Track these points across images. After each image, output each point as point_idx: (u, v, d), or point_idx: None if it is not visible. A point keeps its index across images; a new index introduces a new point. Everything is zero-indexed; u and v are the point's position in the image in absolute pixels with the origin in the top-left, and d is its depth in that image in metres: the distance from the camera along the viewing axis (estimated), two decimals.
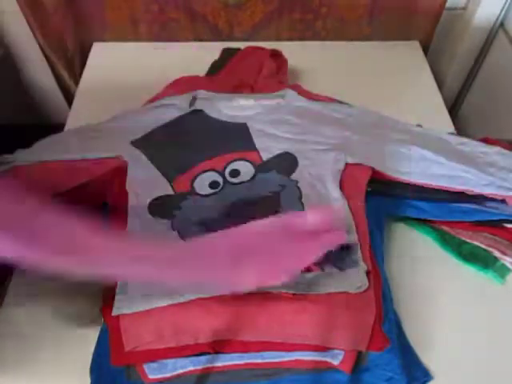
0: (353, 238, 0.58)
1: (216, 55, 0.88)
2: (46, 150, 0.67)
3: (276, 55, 0.85)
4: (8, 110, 1.07)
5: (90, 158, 0.65)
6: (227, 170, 0.65)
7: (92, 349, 0.54)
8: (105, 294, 0.55)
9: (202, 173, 0.65)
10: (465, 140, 0.69)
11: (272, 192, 0.62)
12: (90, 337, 0.54)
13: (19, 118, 1.11)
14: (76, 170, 0.64)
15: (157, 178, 0.64)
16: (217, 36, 0.99)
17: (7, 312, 0.59)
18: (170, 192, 0.63)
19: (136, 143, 0.68)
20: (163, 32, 0.98)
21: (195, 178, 0.64)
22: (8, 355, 0.56)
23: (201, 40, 1.00)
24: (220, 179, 0.64)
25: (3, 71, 1.01)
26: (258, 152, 0.67)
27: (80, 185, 0.63)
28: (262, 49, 0.85)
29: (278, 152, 0.67)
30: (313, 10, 0.95)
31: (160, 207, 0.61)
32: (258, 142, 0.68)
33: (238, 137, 0.70)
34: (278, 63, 0.84)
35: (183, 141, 0.69)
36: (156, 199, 0.62)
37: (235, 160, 0.66)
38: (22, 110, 1.14)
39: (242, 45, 0.88)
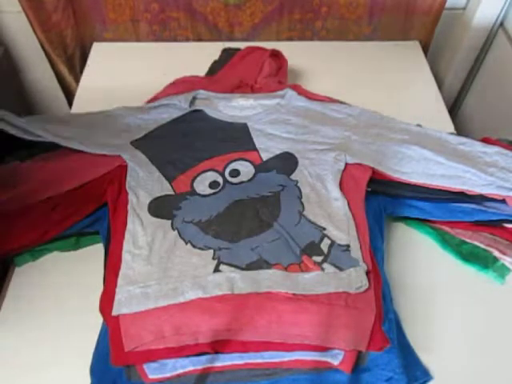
0: (353, 238, 0.58)
1: (216, 55, 0.88)
2: (48, 125, 0.68)
3: (276, 55, 0.85)
4: (8, 110, 1.07)
5: (90, 152, 0.66)
6: (227, 170, 0.65)
7: (92, 349, 0.54)
8: (104, 294, 0.55)
9: (202, 173, 0.65)
10: (465, 140, 0.69)
11: (272, 192, 0.62)
12: (90, 337, 0.54)
13: None
14: (77, 170, 0.64)
15: (157, 178, 0.64)
16: (217, 36, 0.99)
17: (6, 313, 0.59)
18: (170, 192, 0.63)
19: (136, 143, 0.68)
20: (163, 31, 0.98)
21: (195, 178, 0.64)
22: (8, 357, 0.56)
23: (201, 40, 1.00)
24: (220, 179, 0.64)
25: (3, 71, 1.01)
26: (258, 152, 0.67)
27: (80, 185, 0.63)
28: (262, 49, 0.85)
29: (278, 152, 0.67)
30: (313, 9, 0.95)
31: (160, 207, 0.61)
32: (258, 142, 0.68)
33: (238, 137, 0.70)
34: (277, 63, 0.84)
35: (183, 141, 0.69)
36: (156, 199, 0.62)
37: (235, 160, 0.66)
38: (21, 110, 1.14)
39: (241, 45, 0.88)
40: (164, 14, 0.95)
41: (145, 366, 0.51)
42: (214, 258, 0.56)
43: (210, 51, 0.89)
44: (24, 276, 0.62)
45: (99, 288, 0.56)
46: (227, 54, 0.87)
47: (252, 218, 0.60)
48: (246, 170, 0.65)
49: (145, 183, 0.63)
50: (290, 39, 1.00)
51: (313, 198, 0.62)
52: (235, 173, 0.65)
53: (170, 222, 0.60)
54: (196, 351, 0.51)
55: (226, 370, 0.51)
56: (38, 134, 0.66)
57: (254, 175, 0.65)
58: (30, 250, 0.63)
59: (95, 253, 0.62)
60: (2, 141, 0.67)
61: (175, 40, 1.00)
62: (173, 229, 0.59)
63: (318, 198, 0.62)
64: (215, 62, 0.87)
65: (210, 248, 0.57)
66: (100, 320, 0.55)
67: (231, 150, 0.68)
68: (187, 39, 1.00)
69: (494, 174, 0.63)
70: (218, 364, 0.51)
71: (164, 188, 0.63)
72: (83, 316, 0.57)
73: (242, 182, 0.64)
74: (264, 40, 0.99)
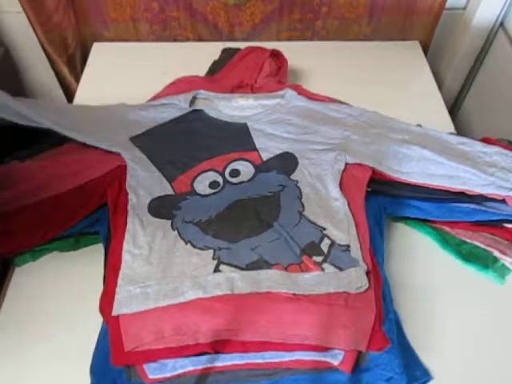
0: (353, 237, 0.58)
1: (216, 55, 0.88)
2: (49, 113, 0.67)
3: (276, 55, 0.85)
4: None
5: (90, 144, 0.66)
6: (227, 170, 0.65)
7: (92, 349, 0.54)
8: (104, 294, 0.55)
9: (202, 173, 0.65)
10: (465, 140, 0.69)
11: (272, 192, 0.62)
12: (90, 337, 0.54)
13: None
14: (77, 170, 0.64)
15: (157, 177, 0.64)
16: (217, 36, 0.99)
17: (6, 313, 0.59)
18: (170, 192, 0.63)
19: (135, 140, 0.68)
20: (163, 31, 0.98)
21: (195, 178, 0.64)
22: (7, 357, 0.56)
23: (201, 40, 1.00)
24: (220, 179, 0.64)
25: (3, 71, 1.01)
26: (258, 152, 0.67)
27: (80, 185, 0.63)
28: (262, 49, 0.85)
29: (278, 152, 0.67)
30: (313, 9, 0.95)
31: (160, 207, 0.61)
32: (258, 142, 0.68)
33: (238, 137, 0.70)
34: (277, 63, 0.84)
35: (183, 140, 0.69)
36: (156, 199, 0.62)
37: (235, 160, 0.66)
38: None
39: (241, 45, 0.88)
40: (164, 14, 0.95)
41: (145, 366, 0.51)
42: (214, 258, 0.56)
43: (210, 51, 0.89)
44: (24, 276, 0.62)
45: (99, 288, 0.56)
46: (227, 53, 0.87)
47: (252, 218, 0.60)
48: (246, 169, 0.65)
49: (145, 183, 0.63)
50: (290, 39, 1.00)
51: (313, 197, 0.62)
52: (235, 173, 0.65)
53: (170, 221, 0.60)
54: (196, 351, 0.51)
55: (226, 370, 0.51)
56: (35, 119, 0.65)
57: (254, 175, 0.65)
58: (30, 250, 0.62)
59: (95, 253, 0.62)
60: (2, 141, 0.67)
61: (175, 40, 1.00)
62: (173, 229, 0.59)
63: (318, 198, 0.62)
64: (215, 62, 0.87)
65: (209, 248, 0.57)
66: (100, 320, 0.55)
67: (231, 149, 0.68)
68: (187, 39, 1.00)
69: (494, 174, 0.63)
70: (218, 364, 0.51)
71: (164, 188, 0.63)
72: (83, 316, 0.57)
73: (241, 182, 0.64)
74: (264, 40, 0.99)
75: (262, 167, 0.66)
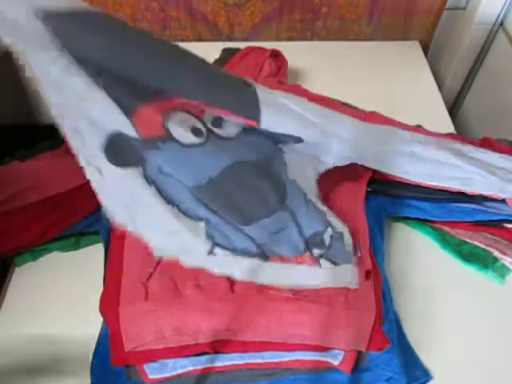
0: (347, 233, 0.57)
1: (216, 55, 0.88)
2: None
3: (276, 55, 0.85)
4: (8, 110, 1.07)
5: None
6: (208, 117, 0.48)
7: (92, 349, 0.54)
8: (105, 294, 0.55)
9: (176, 110, 0.45)
10: (465, 145, 0.68)
11: (270, 156, 0.52)
12: (90, 337, 0.54)
13: (19, 118, 1.11)
14: (77, 170, 0.64)
15: (111, 107, 0.43)
16: (217, 36, 0.99)
17: (6, 313, 0.59)
18: (131, 131, 0.43)
19: (47, 14, 0.41)
20: (163, 31, 0.98)
21: (169, 114, 0.45)
22: (7, 356, 0.56)
23: (201, 40, 1.00)
24: (200, 126, 0.47)
25: (3, 71, 1.01)
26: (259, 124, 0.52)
27: (80, 184, 0.63)
28: (262, 49, 0.84)
29: (281, 130, 0.54)
30: (313, 9, 0.95)
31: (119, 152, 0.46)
32: (264, 118, 0.52)
33: (242, 96, 0.52)
34: (277, 63, 0.84)
35: (155, 54, 0.46)
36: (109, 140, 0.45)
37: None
38: (22, 110, 1.14)
39: (241, 45, 0.88)
40: (164, 14, 0.95)
41: (145, 366, 0.51)
42: (207, 237, 0.50)
43: (210, 51, 0.88)
44: (24, 276, 0.62)
45: (99, 288, 0.56)
46: (227, 53, 0.87)
47: (254, 195, 0.51)
48: (229, 123, 0.49)
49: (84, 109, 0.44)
50: (290, 39, 1.00)
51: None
52: (218, 122, 0.48)
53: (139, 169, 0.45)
54: (196, 351, 0.51)
55: (226, 369, 0.51)
56: None
57: (240, 134, 0.50)
58: (30, 250, 0.63)
59: (95, 253, 0.62)
60: (2, 141, 0.67)
61: (175, 40, 1.00)
62: (148, 183, 0.46)
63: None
64: (215, 62, 0.87)
65: (201, 219, 0.49)
66: (100, 320, 0.55)
67: (228, 107, 0.49)
68: (187, 39, 1.00)
69: (495, 174, 0.63)
70: (218, 364, 0.51)
71: (119, 123, 0.43)
72: (83, 316, 0.57)
73: (229, 139, 0.49)
74: (264, 40, 0.99)
75: (250, 130, 0.51)
